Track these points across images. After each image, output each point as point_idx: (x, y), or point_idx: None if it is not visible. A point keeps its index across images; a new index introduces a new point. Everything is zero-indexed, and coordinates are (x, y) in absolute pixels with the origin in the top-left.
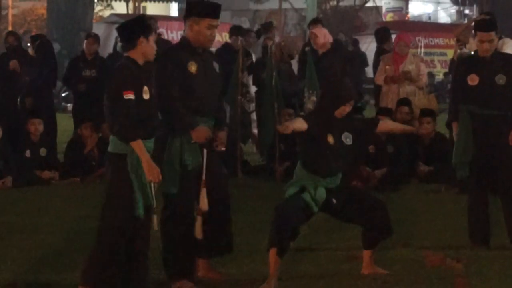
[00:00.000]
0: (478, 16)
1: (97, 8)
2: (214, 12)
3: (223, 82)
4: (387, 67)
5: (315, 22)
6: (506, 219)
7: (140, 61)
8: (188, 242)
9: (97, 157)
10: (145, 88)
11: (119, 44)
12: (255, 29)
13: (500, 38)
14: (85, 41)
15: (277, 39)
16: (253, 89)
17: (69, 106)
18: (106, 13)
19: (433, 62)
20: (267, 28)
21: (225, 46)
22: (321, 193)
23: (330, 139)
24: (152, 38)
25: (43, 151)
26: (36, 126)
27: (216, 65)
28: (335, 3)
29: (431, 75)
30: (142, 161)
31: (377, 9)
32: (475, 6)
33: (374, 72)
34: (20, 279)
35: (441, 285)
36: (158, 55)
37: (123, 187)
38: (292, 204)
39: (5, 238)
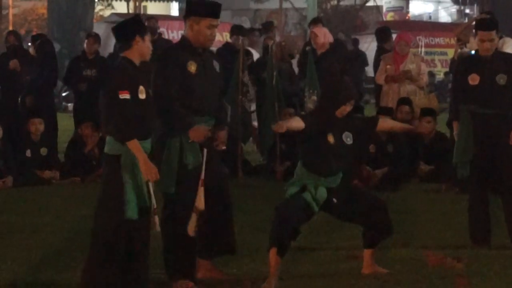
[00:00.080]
0: (479, 15)
1: (98, 7)
2: (214, 11)
3: (224, 81)
4: (388, 66)
5: (315, 21)
6: (506, 219)
7: (137, 61)
8: (189, 242)
9: (97, 156)
10: (141, 88)
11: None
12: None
13: (500, 37)
14: (86, 40)
15: (277, 39)
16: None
17: (70, 105)
18: (107, 12)
19: (434, 61)
20: (267, 27)
21: (226, 46)
22: (322, 193)
23: (331, 138)
24: (148, 37)
25: (43, 151)
26: (37, 126)
27: (216, 65)
28: (335, 2)
29: (431, 75)
30: (139, 160)
31: (378, 8)
32: (475, 5)
33: (375, 72)
34: (20, 279)
35: (442, 285)
36: (158, 55)
37: (115, 188)
38: (292, 204)
39: (5, 237)
